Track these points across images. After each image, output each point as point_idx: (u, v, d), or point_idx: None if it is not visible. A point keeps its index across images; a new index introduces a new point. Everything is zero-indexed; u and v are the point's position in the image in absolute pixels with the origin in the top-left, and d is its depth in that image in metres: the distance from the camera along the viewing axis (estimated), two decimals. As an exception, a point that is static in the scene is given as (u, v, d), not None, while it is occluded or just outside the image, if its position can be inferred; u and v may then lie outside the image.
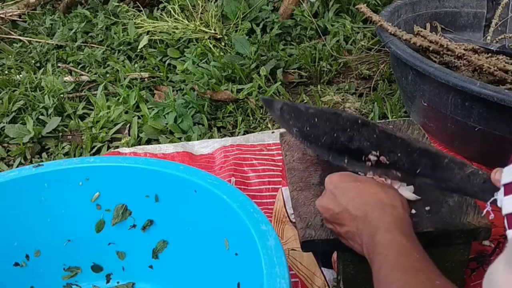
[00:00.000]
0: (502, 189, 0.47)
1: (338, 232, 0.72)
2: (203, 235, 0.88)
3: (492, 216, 0.66)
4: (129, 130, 1.64)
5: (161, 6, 2.61)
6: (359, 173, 0.78)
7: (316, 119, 0.78)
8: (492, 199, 0.59)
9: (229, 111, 1.68)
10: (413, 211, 0.77)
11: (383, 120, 1.47)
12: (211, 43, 2.14)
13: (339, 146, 0.77)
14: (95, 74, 2.01)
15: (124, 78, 1.94)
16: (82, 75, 2.03)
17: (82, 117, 1.77)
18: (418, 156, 0.69)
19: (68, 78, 1.99)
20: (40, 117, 1.72)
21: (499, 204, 0.54)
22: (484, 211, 0.62)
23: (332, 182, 0.73)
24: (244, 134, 1.57)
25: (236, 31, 2.24)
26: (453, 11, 1.72)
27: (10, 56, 2.28)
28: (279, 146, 1.05)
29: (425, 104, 1.28)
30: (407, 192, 0.79)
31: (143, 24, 2.32)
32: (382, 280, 0.58)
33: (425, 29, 1.60)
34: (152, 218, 0.94)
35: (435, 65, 1.18)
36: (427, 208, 0.78)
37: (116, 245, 0.96)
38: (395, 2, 1.60)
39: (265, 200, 1.22)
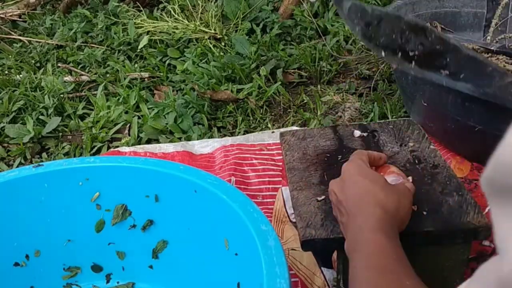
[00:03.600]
0: None
1: (336, 217, 0.74)
2: (203, 235, 0.88)
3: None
4: (129, 130, 1.64)
5: (161, 6, 2.61)
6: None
7: (379, 21, 0.81)
8: None
9: (229, 111, 1.68)
10: (414, 208, 0.78)
11: (383, 120, 1.47)
12: (211, 43, 2.14)
13: (395, 47, 0.79)
14: (95, 74, 2.01)
15: (124, 78, 1.94)
16: (82, 75, 2.03)
17: (82, 117, 1.77)
18: (465, 62, 0.71)
19: (68, 78, 1.99)
20: (40, 117, 1.72)
21: None
22: (486, 210, 0.62)
23: (348, 170, 0.74)
24: (244, 134, 1.57)
25: (236, 31, 2.24)
26: (453, 11, 1.72)
27: (10, 56, 2.28)
28: (279, 146, 1.05)
29: (425, 104, 1.28)
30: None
31: (143, 24, 2.32)
32: (355, 278, 0.60)
33: (425, 29, 1.60)
34: (152, 218, 0.94)
35: (435, 65, 1.18)
36: (427, 207, 0.78)
37: (116, 245, 0.96)
38: (395, 2, 1.60)
39: (265, 200, 1.22)
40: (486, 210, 0.62)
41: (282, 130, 1.49)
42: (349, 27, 0.94)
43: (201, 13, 2.33)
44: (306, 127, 1.57)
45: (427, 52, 0.74)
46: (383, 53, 0.81)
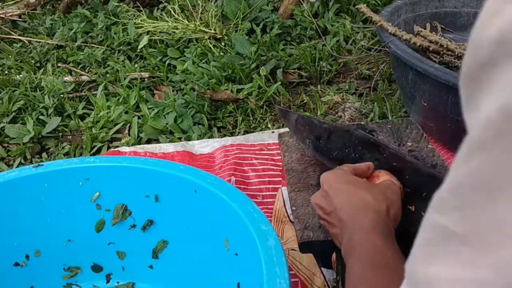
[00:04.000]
0: None
1: (327, 229, 0.74)
2: (203, 235, 0.88)
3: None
4: (129, 130, 1.64)
5: (161, 6, 2.61)
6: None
7: (329, 135, 0.81)
8: None
9: (229, 111, 1.68)
10: (412, 208, 0.78)
11: (383, 120, 1.47)
12: (211, 43, 2.14)
13: (350, 161, 0.79)
14: (95, 74, 2.01)
15: (124, 78, 1.94)
16: (82, 75, 2.04)
17: (82, 117, 1.77)
18: (426, 181, 0.70)
19: (68, 78, 1.99)
20: (40, 117, 1.72)
21: None
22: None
23: (327, 181, 0.74)
24: (244, 134, 1.57)
25: (236, 31, 2.24)
26: (453, 11, 1.72)
27: (10, 56, 2.28)
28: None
29: (425, 104, 1.29)
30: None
31: (143, 24, 2.32)
32: (352, 278, 0.60)
33: (425, 29, 1.60)
34: (152, 218, 0.94)
35: (435, 65, 1.18)
36: (425, 207, 0.78)
37: (116, 245, 0.96)
38: (395, 2, 1.61)
39: (265, 200, 1.22)
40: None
41: (282, 130, 1.49)
42: (298, 140, 0.93)
43: (201, 13, 2.33)
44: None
45: (384, 169, 0.73)
46: (337, 167, 0.79)
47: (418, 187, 0.72)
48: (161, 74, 1.98)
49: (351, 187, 0.72)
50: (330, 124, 0.82)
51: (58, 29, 2.50)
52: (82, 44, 2.34)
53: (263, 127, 1.62)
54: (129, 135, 1.62)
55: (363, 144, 0.76)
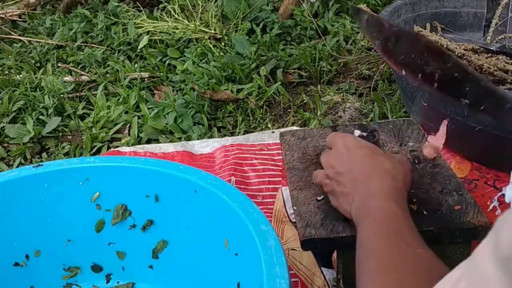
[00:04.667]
0: (511, 184, 0.47)
1: (333, 190, 0.73)
2: (203, 235, 0.88)
3: (498, 211, 0.66)
4: (129, 130, 1.64)
5: (161, 6, 2.61)
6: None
7: (397, 39, 0.80)
8: (499, 194, 0.60)
9: (229, 111, 1.68)
10: (414, 207, 0.78)
11: (383, 120, 1.47)
12: (211, 43, 2.14)
13: (416, 67, 0.78)
14: (95, 74, 2.01)
15: (124, 78, 1.94)
16: (82, 75, 2.04)
17: (82, 117, 1.77)
18: (485, 95, 0.70)
19: (68, 78, 1.99)
20: (40, 117, 1.72)
21: (507, 200, 0.54)
22: (491, 206, 0.62)
23: (346, 142, 0.75)
24: (244, 134, 1.57)
25: (236, 31, 2.24)
26: (453, 11, 1.72)
27: (10, 56, 2.28)
28: (279, 146, 1.05)
29: (425, 104, 1.28)
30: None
31: (143, 24, 2.32)
32: (364, 242, 0.60)
33: (425, 29, 1.60)
34: (152, 218, 0.94)
35: (435, 65, 1.18)
36: (427, 207, 0.78)
37: (116, 245, 0.96)
38: (395, 2, 1.60)
39: (265, 200, 1.22)
40: (492, 206, 0.62)
41: (282, 130, 1.49)
42: (369, 39, 0.93)
43: (201, 13, 2.33)
44: (306, 127, 1.57)
45: (446, 78, 0.73)
46: (403, 72, 0.79)
47: (477, 100, 0.71)
48: (161, 74, 1.98)
49: (369, 152, 0.72)
50: (399, 27, 0.82)
51: (58, 29, 2.50)
52: (82, 44, 2.34)
53: (263, 127, 1.62)
54: (129, 135, 1.62)
55: (429, 51, 0.76)
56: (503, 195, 0.57)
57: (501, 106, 0.68)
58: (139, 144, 1.56)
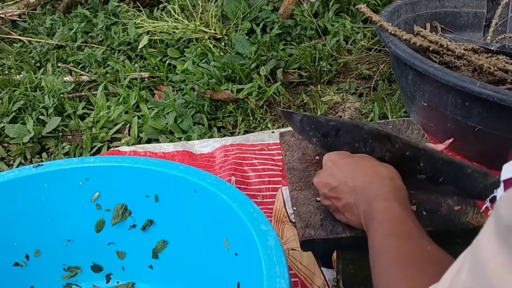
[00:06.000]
0: (502, 185, 0.47)
1: (336, 207, 0.73)
2: (203, 235, 0.88)
3: (491, 212, 0.66)
4: (129, 130, 1.64)
5: (161, 6, 2.61)
6: None
7: (336, 131, 0.80)
8: (491, 196, 0.60)
9: (229, 111, 1.68)
10: (414, 208, 0.78)
11: (383, 120, 1.47)
12: (211, 43, 2.14)
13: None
14: (95, 74, 2.01)
15: (124, 78, 1.94)
16: (82, 75, 2.04)
17: (82, 117, 1.77)
18: (442, 166, 0.70)
19: (68, 78, 1.99)
20: (40, 117, 1.72)
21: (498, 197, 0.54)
22: (483, 207, 0.62)
23: (331, 159, 0.76)
24: (244, 134, 1.57)
25: (236, 31, 2.24)
26: (453, 11, 1.72)
27: (10, 56, 2.28)
28: (279, 146, 1.05)
29: (425, 104, 1.29)
30: None
31: (143, 24, 2.32)
32: (376, 245, 0.60)
33: (425, 29, 1.60)
34: (152, 218, 0.94)
35: (435, 65, 1.18)
36: (426, 207, 0.78)
37: (116, 245, 0.96)
38: (395, 2, 1.61)
39: (265, 200, 1.22)
40: (484, 207, 0.62)
41: (282, 130, 1.49)
42: (305, 139, 0.93)
43: (201, 13, 2.33)
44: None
45: (396, 159, 0.73)
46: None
47: (434, 173, 0.71)
48: (161, 74, 1.98)
49: (357, 159, 0.73)
50: (337, 120, 0.82)
51: (58, 29, 2.50)
52: (82, 44, 2.34)
53: (263, 127, 1.62)
54: (129, 135, 1.62)
55: (374, 137, 0.75)
56: (495, 196, 0.57)
57: (462, 173, 0.68)
58: (139, 144, 1.56)
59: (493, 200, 0.60)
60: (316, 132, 0.84)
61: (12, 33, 2.54)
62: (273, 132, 1.52)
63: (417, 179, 0.73)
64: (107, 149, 1.55)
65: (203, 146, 1.48)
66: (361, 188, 0.68)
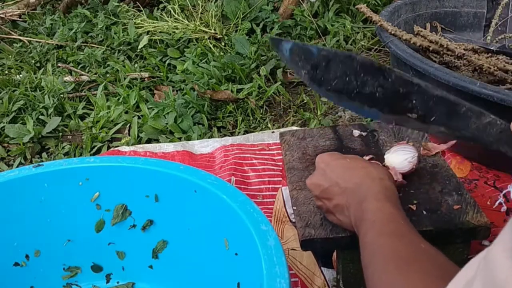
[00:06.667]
0: None
1: (327, 208, 0.74)
2: (203, 235, 0.88)
3: (504, 208, 0.65)
4: (129, 130, 1.64)
5: (161, 6, 2.61)
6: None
7: (327, 63, 0.77)
8: (505, 191, 0.59)
9: (229, 111, 1.68)
10: (414, 207, 0.78)
11: (383, 120, 1.47)
12: (211, 43, 2.14)
13: (350, 91, 0.75)
14: (95, 74, 2.01)
15: (124, 78, 1.94)
16: (82, 75, 2.04)
17: (82, 117, 1.77)
18: (435, 104, 0.68)
19: (68, 78, 1.99)
20: (40, 117, 1.72)
21: None
22: (496, 203, 0.61)
23: (323, 160, 0.76)
24: (244, 134, 1.57)
25: (236, 31, 2.24)
26: (453, 11, 1.72)
27: (10, 56, 2.29)
28: (279, 146, 1.05)
29: (425, 104, 1.28)
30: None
31: (143, 24, 2.32)
32: (368, 245, 0.60)
33: (425, 29, 1.60)
34: (152, 218, 0.94)
35: (435, 65, 1.18)
36: (427, 206, 0.78)
37: (116, 245, 0.96)
38: (395, 2, 1.60)
39: (265, 200, 1.22)
40: (497, 203, 0.61)
41: (282, 130, 1.49)
42: (293, 70, 0.91)
43: (201, 13, 2.33)
44: (306, 127, 1.57)
45: (388, 95, 0.70)
46: (337, 99, 0.75)
47: (426, 112, 0.69)
48: (161, 74, 1.98)
49: (349, 161, 0.74)
50: (329, 50, 0.78)
51: (58, 29, 2.50)
52: (82, 44, 2.34)
53: (263, 127, 1.62)
54: (129, 135, 1.62)
55: (366, 69, 0.72)
56: (510, 192, 0.57)
57: (455, 111, 0.66)
58: (139, 144, 1.56)
59: (506, 195, 0.59)
60: (305, 63, 0.80)
61: (12, 33, 2.54)
62: (273, 132, 1.52)
63: (407, 117, 0.70)
64: (107, 149, 1.55)
65: (203, 146, 1.48)
66: (352, 189, 0.69)
